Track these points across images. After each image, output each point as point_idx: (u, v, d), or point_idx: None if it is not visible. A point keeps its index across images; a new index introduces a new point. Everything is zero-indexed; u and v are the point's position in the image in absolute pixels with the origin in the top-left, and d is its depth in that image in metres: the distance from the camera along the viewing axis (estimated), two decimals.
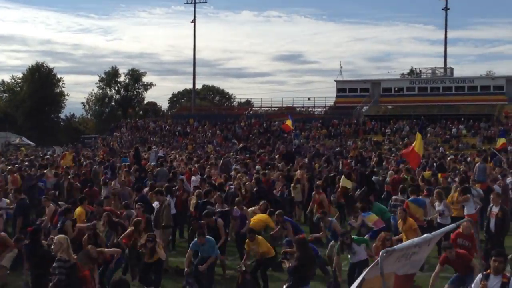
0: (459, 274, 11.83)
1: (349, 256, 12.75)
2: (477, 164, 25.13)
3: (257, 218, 16.12)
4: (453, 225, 8.18)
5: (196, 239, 13.41)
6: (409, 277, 7.02)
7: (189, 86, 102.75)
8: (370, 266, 6.26)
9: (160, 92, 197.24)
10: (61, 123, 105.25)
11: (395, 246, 6.33)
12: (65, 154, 28.62)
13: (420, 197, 16.89)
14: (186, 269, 13.34)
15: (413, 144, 22.42)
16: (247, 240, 13.68)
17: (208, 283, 13.24)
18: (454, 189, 18.08)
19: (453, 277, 12.02)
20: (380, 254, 6.01)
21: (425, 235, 6.79)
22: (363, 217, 15.71)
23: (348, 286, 12.36)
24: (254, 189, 20.18)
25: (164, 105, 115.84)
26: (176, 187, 19.15)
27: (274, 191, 20.90)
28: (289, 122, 38.64)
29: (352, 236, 12.97)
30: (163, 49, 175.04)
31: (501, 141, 33.21)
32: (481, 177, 22.81)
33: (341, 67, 76.82)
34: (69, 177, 21.82)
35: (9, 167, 24.58)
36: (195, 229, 14.75)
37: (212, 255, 13.29)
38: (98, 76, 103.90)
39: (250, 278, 13.01)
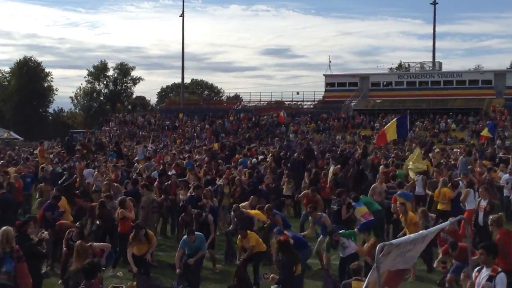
0: (458, 264, 12.11)
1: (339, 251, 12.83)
2: (460, 157, 25.30)
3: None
4: (448, 222, 8.25)
5: (185, 237, 13.36)
6: (400, 272, 7.07)
7: (177, 80, 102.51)
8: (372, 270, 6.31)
9: (147, 86, 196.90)
10: (50, 117, 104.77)
11: (392, 241, 6.36)
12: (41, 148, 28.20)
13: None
14: (178, 270, 13.24)
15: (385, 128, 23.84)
16: (239, 236, 13.66)
17: (195, 277, 13.24)
18: (441, 183, 18.16)
19: (454, 266, 12.31)
20: (378, 247, 6.03)
21: (421, 231, 6.84)
22: (354, 207, 15.78)
23: (339, 280, 12.42)
24: (247, 183, 20.34)
25: (152, 99, 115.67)
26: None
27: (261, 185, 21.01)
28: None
29: (340, 232, 13.04)
30: (150, 43, 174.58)
31: (485, 132, 33.10)
32: (463, 170, 22.97)
33: (330, 61, 77.03)
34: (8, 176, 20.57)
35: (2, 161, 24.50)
36: (184, 226, 14.84)
37: (202, 250, 13.36)
38: (87, 70, 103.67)
39: (246, 274, 12.97)
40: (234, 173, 21.75)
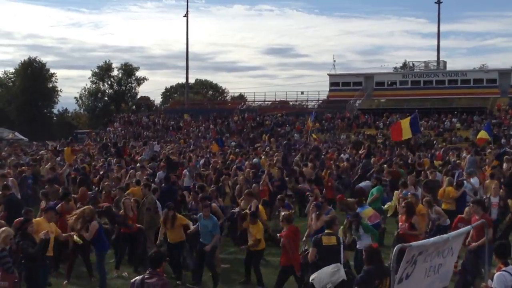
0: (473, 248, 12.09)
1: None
2: (467, 157, 25.24)
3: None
4: (469, 227, 8.27)
5: (200, 214, 13.93)
6: None
7: (180, 80, 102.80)
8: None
9: (151, 86, 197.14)
10: (54, 118, 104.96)
11: (411, 243, 6.36)
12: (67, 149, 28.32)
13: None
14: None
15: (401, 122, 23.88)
16: (248, 221, 13.85)
17: (211, 263, 13.68)
18: (447, 183, 18.16)
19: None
20: (395, 249, 6.04)
21: (441, 235, 6.86)
22: (359, 212, 15.78)
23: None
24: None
25: (157, 99, 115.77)
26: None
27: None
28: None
29: (362, 221, 13.33)
30: (153, 43, 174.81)
31: (482, 134, 32.87)
32: (471, 169, 22.92)
33: (334, 61, 76.83)
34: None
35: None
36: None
37: (214, 233, 13.68)
38: (91, 70, 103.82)
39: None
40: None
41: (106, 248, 13.79)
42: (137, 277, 8.22)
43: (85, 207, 13.75)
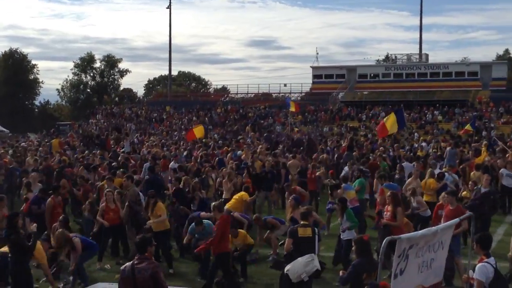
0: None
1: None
2: (448, 149, 25.38)
3: (233, 199, 16.76)
4: (457, 219, 8.35)
5: (193, 225, 13.76)
6: (436, 286, 7.20)
7: (163, 72, 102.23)
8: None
9: (133, 78, 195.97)
10: (36, 110, 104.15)
11: (401, 235, 6.42)
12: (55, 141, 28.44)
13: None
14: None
15: (385, 120, 23.87)
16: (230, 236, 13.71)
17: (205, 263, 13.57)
18: (428, 174, 18.28)
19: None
20: (384, 241, 6.08)
21: (429, 228, 6.92)
22: (344, 189, 16.00)
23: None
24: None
25: (139, 91, 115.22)
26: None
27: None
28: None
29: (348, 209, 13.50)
30: (135, 35, 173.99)
31: (468, 127, 33.06)
32: (451, 162, 23.08)
33: (317, 53, 77.00)
34: None
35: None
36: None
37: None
38: (74, 62, 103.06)
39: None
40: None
41: (96, 250, 13.81)
42: (127, 264, 8.19)
43: (56, 232, 13.09)
